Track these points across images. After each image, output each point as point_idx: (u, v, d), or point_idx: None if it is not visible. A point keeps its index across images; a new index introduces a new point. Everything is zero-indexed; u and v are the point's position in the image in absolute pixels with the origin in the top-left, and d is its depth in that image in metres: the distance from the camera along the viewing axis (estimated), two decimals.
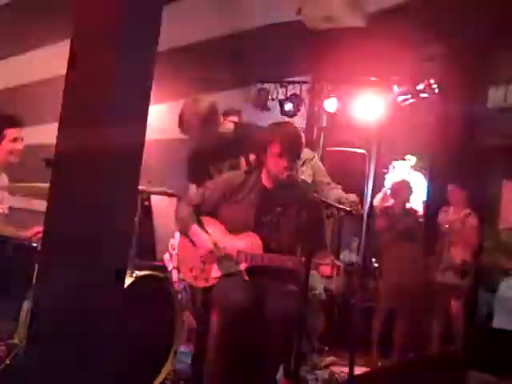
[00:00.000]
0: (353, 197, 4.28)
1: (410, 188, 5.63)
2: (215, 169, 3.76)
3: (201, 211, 3.37)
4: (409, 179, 6.08)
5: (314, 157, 4.73)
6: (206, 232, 3.31)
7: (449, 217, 5.52)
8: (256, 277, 3.17)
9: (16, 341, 3.19)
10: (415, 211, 5.81)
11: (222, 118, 3.75)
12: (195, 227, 3.32)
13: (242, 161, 3.74)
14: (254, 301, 3.06)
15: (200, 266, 3.28)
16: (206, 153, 3.74)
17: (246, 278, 3.19)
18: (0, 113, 3.89)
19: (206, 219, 3.37)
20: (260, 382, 3.12)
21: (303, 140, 3.29)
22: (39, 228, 3.38)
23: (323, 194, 4.52)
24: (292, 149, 3.21)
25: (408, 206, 5.67)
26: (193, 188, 3.70)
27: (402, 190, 5.55)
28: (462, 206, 5.50)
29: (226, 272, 3.23)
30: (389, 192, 5.76)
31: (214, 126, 3.64)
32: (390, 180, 7.66)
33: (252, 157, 3.71)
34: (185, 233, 3.37)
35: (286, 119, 5.33)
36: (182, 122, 3.62)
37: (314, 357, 4.66)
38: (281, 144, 3.19)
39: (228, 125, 3.83)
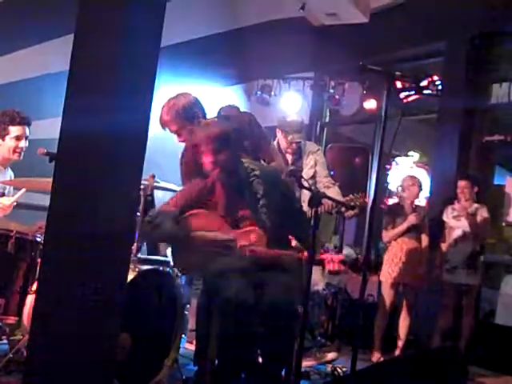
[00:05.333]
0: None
1: (420, 185, 5.65)
2: None
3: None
4: (417, 176, 6.09)
5: (318, 149, 4.91)
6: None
7: (457, 212, 5.50)
8: (256, 271, 3.15)
9: (19, 336, 3.21)
10: (422, 208, 5.80)
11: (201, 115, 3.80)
12: None
13: None
14: (253, 296, 3.04)
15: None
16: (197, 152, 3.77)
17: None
18: (7, 109, 3.88)
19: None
20: (268, 377, 3.12)
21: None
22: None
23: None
24: None
25: (416, 202, 5.68)
26: None
27: (412, 186, 5.56)
28: (470, 202, 5.50)
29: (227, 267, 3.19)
30: (400, 189, 5.77)
31: (191, 119, 3.74)
32: (394, 176, 7.66)
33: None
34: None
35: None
36: (160, 117, 3.79)
37: (316, 352, 4.68)
38: None
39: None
